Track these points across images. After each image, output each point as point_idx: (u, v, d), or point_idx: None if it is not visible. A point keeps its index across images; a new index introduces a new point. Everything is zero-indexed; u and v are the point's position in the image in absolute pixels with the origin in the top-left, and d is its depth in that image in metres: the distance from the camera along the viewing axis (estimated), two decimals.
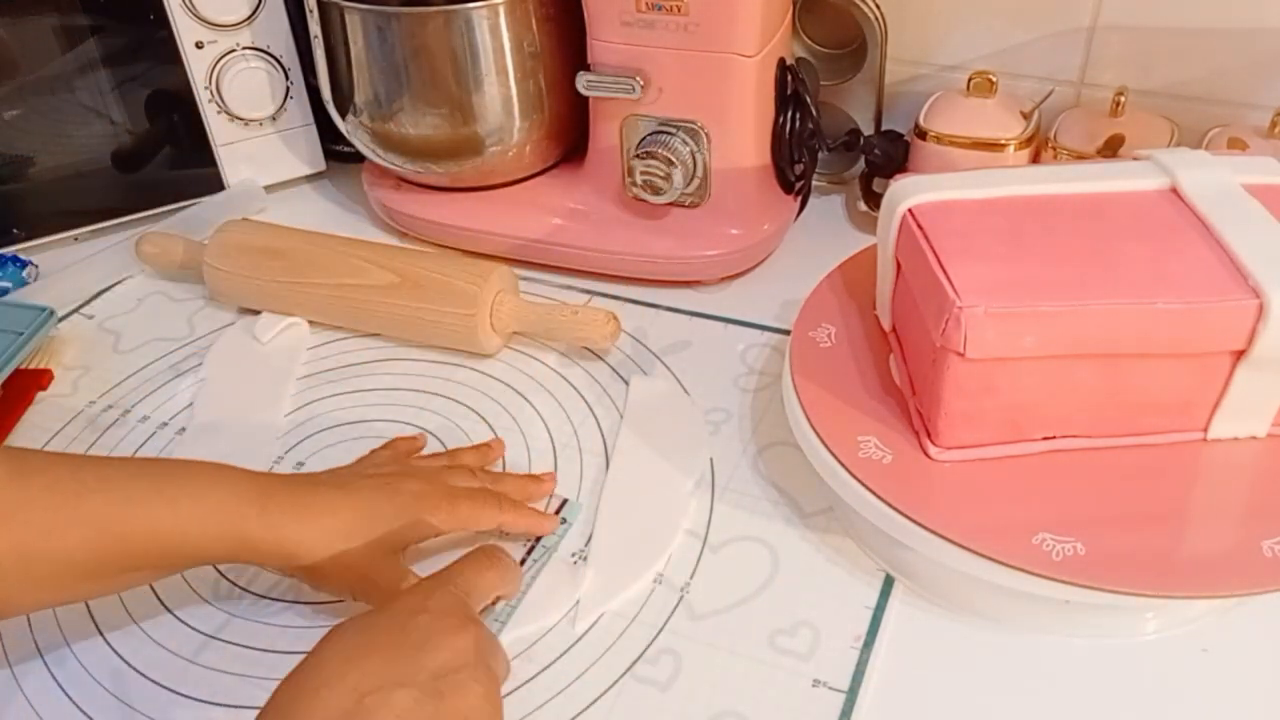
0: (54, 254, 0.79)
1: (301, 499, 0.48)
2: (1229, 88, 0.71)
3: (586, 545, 0.54)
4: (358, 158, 0.81)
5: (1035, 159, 0.72)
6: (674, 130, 0.67)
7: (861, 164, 0.78)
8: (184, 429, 0.63)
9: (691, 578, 0.52)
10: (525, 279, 0.74)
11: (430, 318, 0.65)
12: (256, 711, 0.37)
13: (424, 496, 0.51)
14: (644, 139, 0.67)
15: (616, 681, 0.48)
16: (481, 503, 0.52)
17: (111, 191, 0.80)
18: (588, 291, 0.73)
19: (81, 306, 0.75)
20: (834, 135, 0.76)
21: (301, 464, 0.60)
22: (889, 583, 0.51)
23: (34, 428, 0.64)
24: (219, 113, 0.80)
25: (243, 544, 0.47)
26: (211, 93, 0.78)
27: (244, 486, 0.48)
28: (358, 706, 0.36)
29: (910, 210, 0.50)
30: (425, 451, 0.60)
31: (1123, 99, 0.69)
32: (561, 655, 0.49)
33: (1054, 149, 0.71)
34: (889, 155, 0.75)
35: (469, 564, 0.47)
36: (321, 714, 0.36)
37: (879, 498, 0.47)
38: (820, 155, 0.75)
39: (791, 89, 0.70)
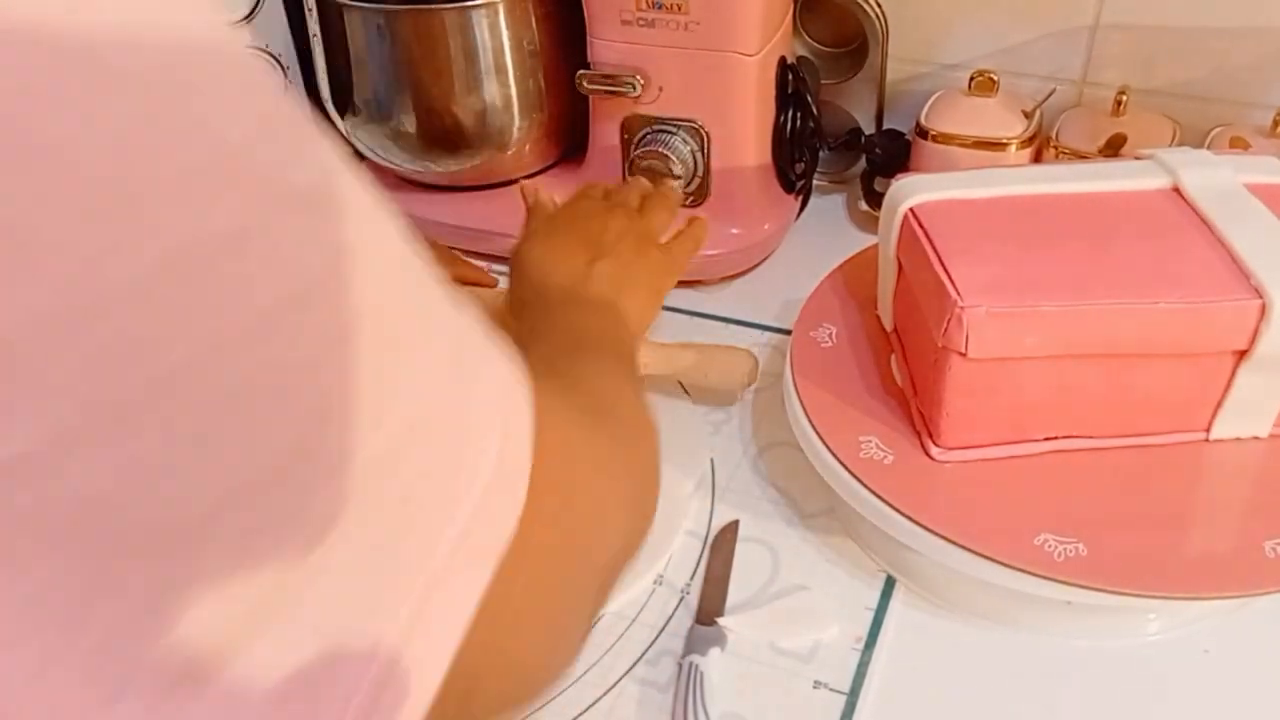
0: None
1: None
2: (1231, 87, 0.71)
3: None
4: (358, 157, 0.81)
5: (1037, 158, 0.72)
6: (674, 129, 0.67)
7: (862, 163, 0.78)
8: None
9: (691, 579, 0.52)
10: None
11: None
12: None
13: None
14: (644, 138, 0.67)
15: (617, 682, 0.47)
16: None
17: None
18: None
19: None
20: (835, 134, 0.76)
21: None
22: (890, 584, 0.51)
23: None
24: None
25: None
26: None
27: None
28: (587, 273, 0.49)
29: (912, 210, 0.50)
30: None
31: (1124, 98, 0.69)
32: None
33: (1055, 148, 0.70)
34: (890, 154, 0.75)
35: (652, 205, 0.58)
36: (561, 282, 0.48)
37: (880, 498, 0.47)
38: (821, 154, 0.75)
39: (792, 88, 0.69)
